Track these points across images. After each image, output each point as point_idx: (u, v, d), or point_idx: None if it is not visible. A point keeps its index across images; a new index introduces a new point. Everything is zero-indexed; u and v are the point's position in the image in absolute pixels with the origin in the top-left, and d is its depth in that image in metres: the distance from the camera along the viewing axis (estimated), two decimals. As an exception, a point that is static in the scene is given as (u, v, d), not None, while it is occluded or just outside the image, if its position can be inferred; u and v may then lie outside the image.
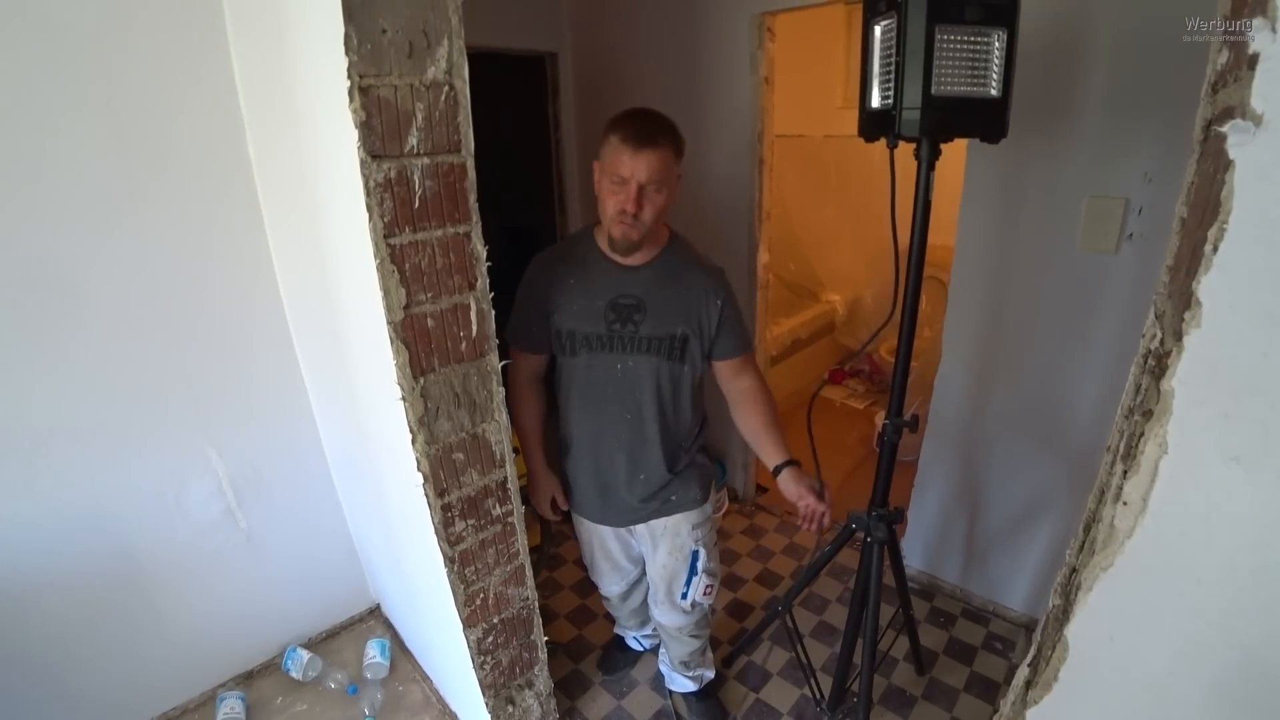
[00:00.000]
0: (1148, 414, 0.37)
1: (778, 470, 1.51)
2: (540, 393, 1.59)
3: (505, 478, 1.19)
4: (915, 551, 2.38)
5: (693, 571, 1.63)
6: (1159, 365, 0.37)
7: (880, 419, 3.24)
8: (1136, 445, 0.36)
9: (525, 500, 1.82)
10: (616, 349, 1.42)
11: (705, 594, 1.67)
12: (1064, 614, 0.48)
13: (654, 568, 1.67)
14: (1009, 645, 2.15)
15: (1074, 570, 0.51)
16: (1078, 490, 1.92)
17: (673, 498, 1.56)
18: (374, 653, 1.88)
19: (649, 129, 1.27)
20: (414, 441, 1.02)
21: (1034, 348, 1.89)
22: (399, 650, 1.96)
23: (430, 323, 0.96)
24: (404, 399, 0.98)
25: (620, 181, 1.28)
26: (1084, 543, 0.50)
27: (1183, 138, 1.49)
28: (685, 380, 1.47)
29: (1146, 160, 1.57)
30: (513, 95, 2.94)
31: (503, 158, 2.75)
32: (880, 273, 3.85)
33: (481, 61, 2.37)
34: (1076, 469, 1.91)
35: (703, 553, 1.64)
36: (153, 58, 1.25)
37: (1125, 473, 0.37)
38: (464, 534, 1.18)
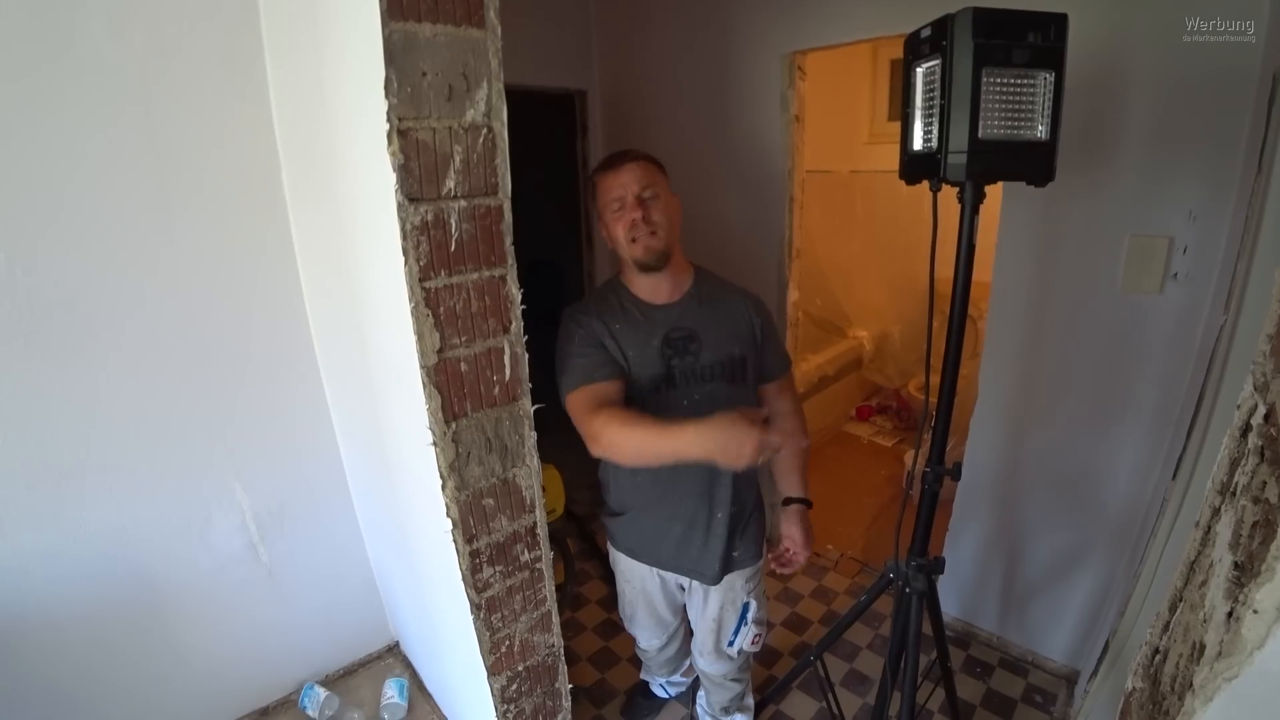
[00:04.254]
0: (1260, 503, 0.34)
1: (788, 501, 1.55)
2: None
3: (535, 523, 1.16)
4: (950, 597, 2.29)
5: (742, 621, 1.60)
6: (1276, 454, 0.34)
7: (910, 458, 3.18)
8: (1263, 546, 0.33)
9: (552, 538, 1.80)
10: (680, 384, 1.38)
11: (753, 643, 1.64)
12: (1152, 701, 0.44)
13: (704, 620, 1.63)
14: (1050, 699, 2.05)
15: (1158, 652, 0.47)
16: (1120, 540, 1.85)
17: (734, 554, 1.52)
18: (392, 692, 1.84)
19: (620, 152, 1.35)
20: (444, 487, 1.00)
21: (1073, 390, 1.83)
22: (417, 690, 1.91)
23: (464, 367, 0.94)
24: (435, 444, 0.96)
25: (619, 203, 1.31)
26: (1169, 623, 0.46)
27: (1227, 174, 1.47)
28: (749, 402, 1.45)
29: (1190, 198, 1.54)
30: (541, 133, 2.98)
31: (530, 195, 2.76)
32: (907, 308, 3.80)
33: (511, 100, 2.41)
34: (1118, 518, 1.84)
35: (754, 604, 1.61)
36: (191, 91, 1.27)
37: (1245, 574, 0.34)
38: (491, 580, 1.14)
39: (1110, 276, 1.68)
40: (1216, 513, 0.39)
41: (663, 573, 1.60)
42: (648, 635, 1.77)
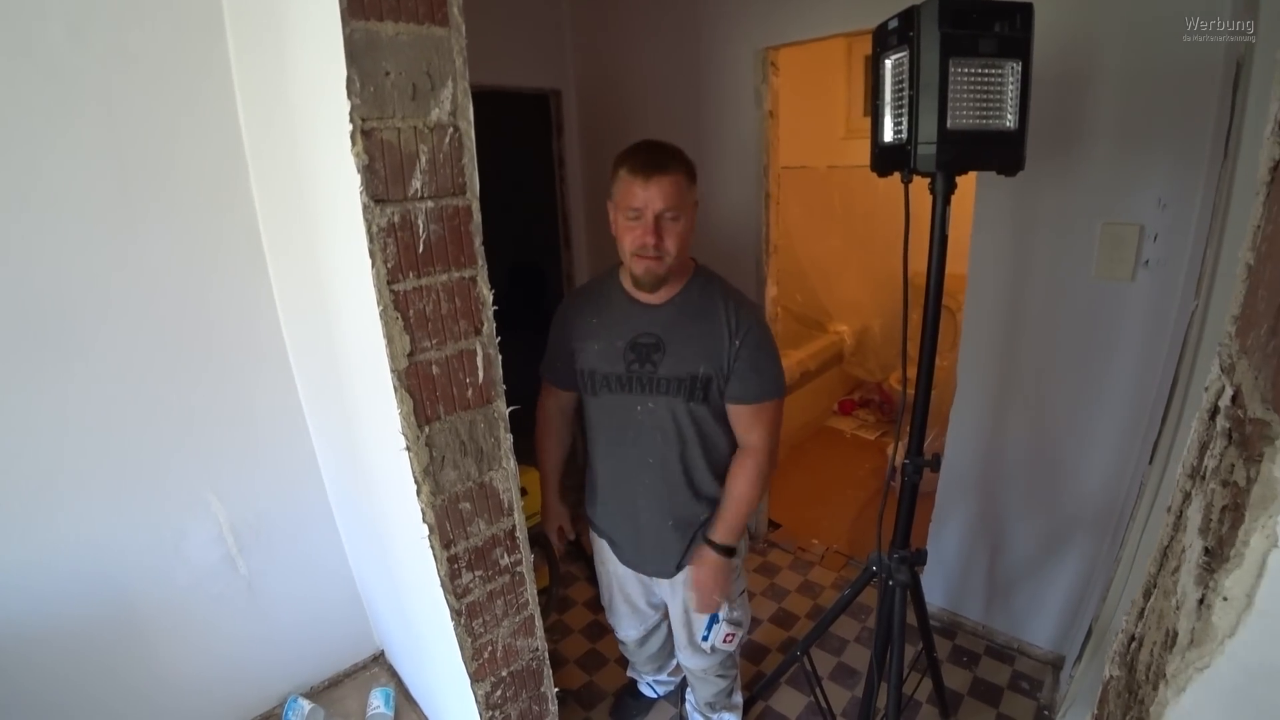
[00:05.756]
0: (1229, 486, 0.33)
1: (711, 545, 1.44)
2: (565, 428, 1.59)
3: (514, 526, 1.14)
4: (935, 588, 2.31)
5: (714, 619, 1.58)
6: (1243, 435, 0.33)
7: (893, 450, 3.20)
8: (1232, 530, 0.32)
9: (536, 541, 1.79)
10: (635, 390, 1.37)
11: (726, 641, 1.62)
12: (1129, 689, 0.43)
13: (675, 613, 1.63)
14: (1036, 685, 2.07)
15: (1133, 639, 0.46)
16: (1100, 525, 1.87)
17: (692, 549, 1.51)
18: (377, 702, 1.81)
19: (658, 156, 1.24)
20: (419, 492, 0.98)
21: (1050, 378, 1.85)
22: (403, 699, 1.89)
23: (435, 370, 0.93)
24: (408, 448, 0.94)
25: (635, 215, 1.24)
26: (1144, 609, 0.45)
27: (1194, 162, 1.49)
28: (710, 421, 1.40)
29: (1160, 185, 1.56)
30: (517, 133, 2.96)
31: (507, 196, 2.75)
32: (887, 302, 3.83)
33: (484, 100, 2.38)
34: (1098, 504, 1.86)
35: (724, 605, 1.58)
36: (154, 91, 1.24)
37: (1215, 560, 0.33)
38: (471, 586, 1.13)
39: (1084, 265, 1.69)
40: (1188, 497, 0.39)
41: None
42: (625, 625, 1.77)
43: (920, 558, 1.39)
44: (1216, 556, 0.34)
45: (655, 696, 2.04)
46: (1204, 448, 0.39)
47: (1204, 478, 0.37)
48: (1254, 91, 1.16)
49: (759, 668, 2.18)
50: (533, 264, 3.87)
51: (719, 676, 1.75)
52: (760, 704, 2.02)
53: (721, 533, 1.44)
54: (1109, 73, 1.55)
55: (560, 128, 2.82)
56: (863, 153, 4.01)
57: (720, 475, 1.46)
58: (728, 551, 1.44)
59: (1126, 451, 1.76)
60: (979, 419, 2.03)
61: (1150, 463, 1.50)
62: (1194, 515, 0.37)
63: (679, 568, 1.52)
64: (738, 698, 1.88)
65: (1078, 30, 1.55)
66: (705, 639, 1.61)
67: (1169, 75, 1.47)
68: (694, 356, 1.34)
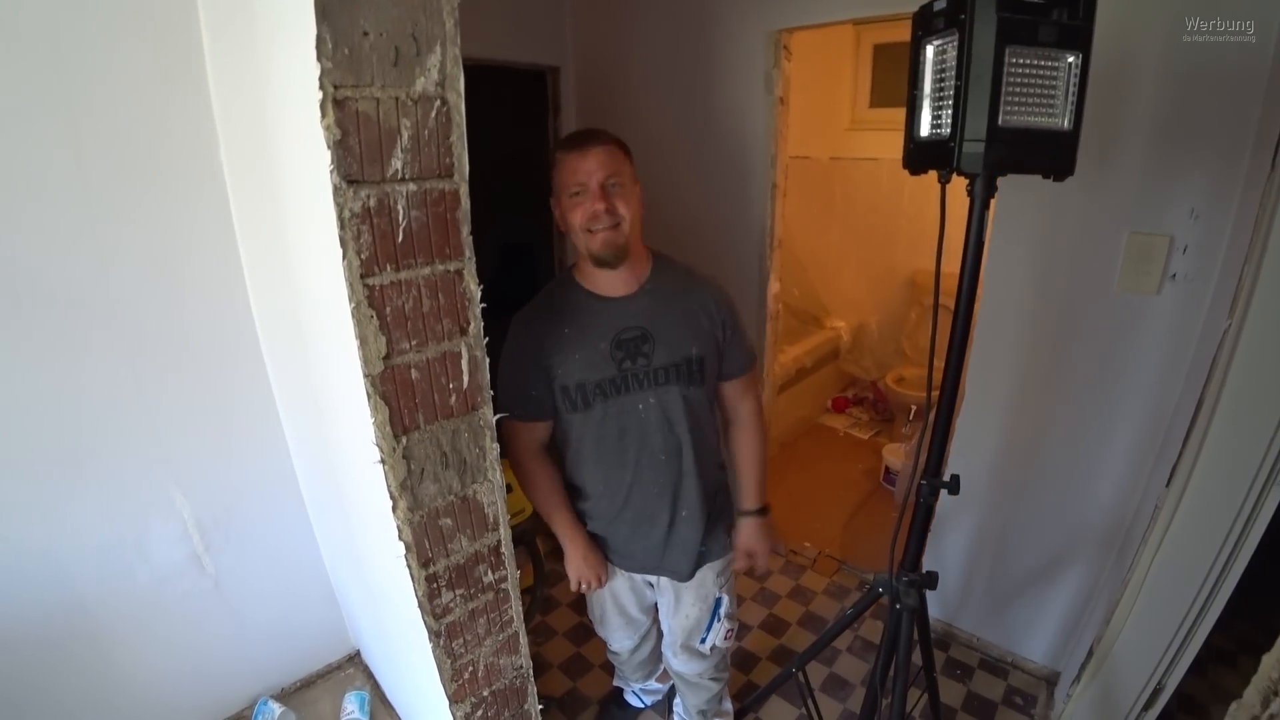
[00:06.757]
0: None
1: (746, 514, 1.50)
2: (547, 461, 1.45)
3: (499, 541, 1.05)
4: (931, 598, 2.24)
5: (715, 618, 1.56)
6: None
7: (889, 452, 3.13)
8: None
9: (520, 539, 1.71)
10: (634, 388, 1.31)
11: (726, 638, 1.60)
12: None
13: (676, 618, 1.57)
14: (1030, 700, 2.02)
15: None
16: (1106, 544, 1.82)
17: (703, 549, 1.47)
18: (351, 707, 1.73)
19: (588, 132, 1.27)
20: (395, 508, 0.88)
21: (1064, 392, 1.78)
22: (379, 703, 1.81)
23: (414, 374, 0.82)
24: (384, 461, 0.84)
25: (579, 189, 1.23)
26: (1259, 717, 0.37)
27: (1232, 173, 1.41)
28: (704, 402, 1.39)
29: (1193, 196, 1.47)
30: (512, 110, 2.84)
31: (501, 174, 2.64)
32: (885, 299, 3.75)
33: (480, 75, 2.26)
34: (1106, 521, 1.80)
35: (725, 599, 1.56)
36: (116, 58, 1.12)
37: None
38: (451, 605, 1.04)
39: (1107, 275, 1.61)
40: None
41: (631, 573, 1.56)
42: (619, 637, 1.71)
43: (931, 581, 1.31)
44: None
45: (642, 706, 1.97)
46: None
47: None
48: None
49: (749, 676, 2.12)
50: (525, 245, 3.77)
51: (713, 680, 1.70)
52: (751, 716, 1.95)
53: (752, 498, 1.50)
54: (1146, 76, 1.46)
55: (558, 107, 2.71)
56: (867, 144, 3.90)
57: (717, 457, 1.49)
58: (762, 513, 1.51)
59: (1139, 471, 1.70)
60: (986, 429, 1.95)
61: (1168, 485, 1.43)
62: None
63: (695, 568, 1.49)
64: (728, 704, 1.83)
65: (1114, 31, 1.46)
66: (704, 640, 1.58)
67: (1208, 81, 1.39)
68: (685, 339, 1.32)
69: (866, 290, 3.83)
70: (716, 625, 1.58)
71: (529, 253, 3.80)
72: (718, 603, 1.57)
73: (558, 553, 1.53)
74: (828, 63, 3.63)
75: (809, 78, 3.34)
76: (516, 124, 2.95)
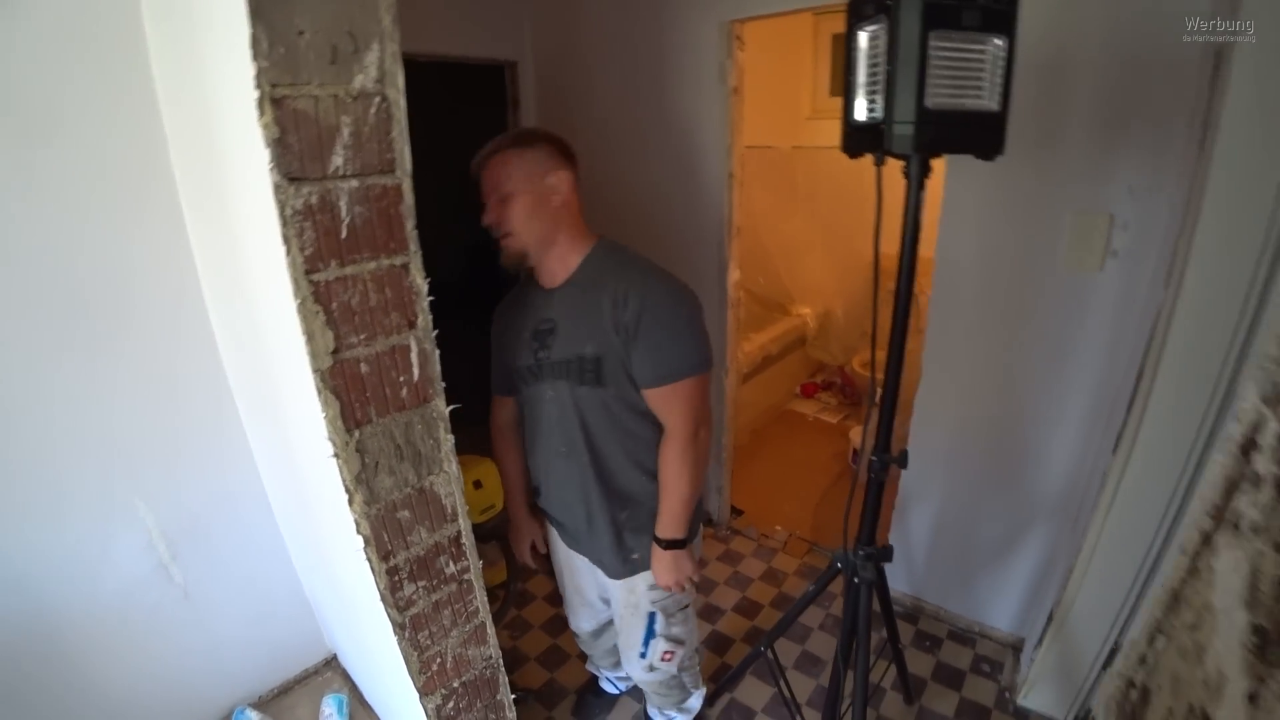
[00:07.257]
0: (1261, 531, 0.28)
1: (656, 542, 1.37)
2: (519, 436, 1.52)
3: (459, 532, 1.06)
4: (898, 573, 2.30)
5: (650, 634, 1.51)
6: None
7: (856, 435, 3.18)
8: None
9: (494, 535, 1.72)
10: (543, 378, 1.34)
11: (664, 659, 1.55)
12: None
13: (616, 619, 1.58)
14: (997, 667, 2.08)
15: (1132, 685, 0.41)
16: (1062, 512, 1.88)
17: (634, 556, 1.43)
18: (330, 710, 1.72)
19: (492, 142, 1.28)
20: (351, 501, 0.89)
21: (1018, 368, 1.83)
22: (358, 704, 1.80)
23: (364, 368, 0.83)
24: (337, 455, 0.85)
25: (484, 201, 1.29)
26: (1145, 655, 0.40)
27: (1167, 151, 1.45)
28: (617, 405, 1.30)
29: (1131, 173, 1.52)
30: (470, 107, 2.82)
31: (460, 173, 2.61)
32: (850, 285, 3.80)
33: (435, 72, 2.25)
34: (1061, 489, 1.86)
35: (660, 618, 1.50)
36: (56, 49, 1.09)
37: (1271, 648, 0.28)
38: (415, 597, 1.05)
39: (1053, 254, 1.66)
40: (1208, 540, 0.34)
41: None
42: (579, 617, 1.73)
43: (886, 554, 1.35)
44: (1272, 643, 0.28)
45: (618, 693, 1.99)
46: (1232, 486, 0.33)
47: (1237, 527, 0.31)
48: (1234, 83, 1.12)
49: (724, 659, 2.15)
50: (492, 244, 3.74)
51: (661, 695, 1.70)
52: (725, 695, 1.98)
53: (660, 526, 1.36)
54: (1084, 59, 1.51)
55: (516, 102, 2.69)
56: (829, 133, 3.95)
57: (649, 468, 1.37)
58: (674, 544, 1.36)
59: (1089, 441, 1.76)
60: (944, 406, 2.00)
61: (1114, 452, 1.48)
62: (1228, 574, 0.32)
63: (623, 569, 1.45)
64: (692, 702, 1.81)
65: (1054, 14, 1.50)
66: (644, 655, 1.54)
67: (1148, 63, 1.43)
68: (581, 337, 1.27)
69: (832, 277, 3.88)
70: (653, 642, 1.52)
71: (494, 254, 3.77)
72: (650, 618, 1.50)
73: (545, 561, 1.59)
74: (787, 53, 3.66)
75: (769, 68, 3.36)
76: (478, 120, 2.93)
